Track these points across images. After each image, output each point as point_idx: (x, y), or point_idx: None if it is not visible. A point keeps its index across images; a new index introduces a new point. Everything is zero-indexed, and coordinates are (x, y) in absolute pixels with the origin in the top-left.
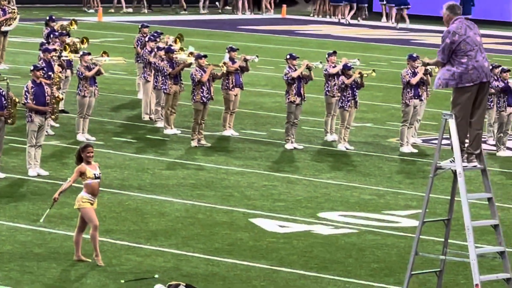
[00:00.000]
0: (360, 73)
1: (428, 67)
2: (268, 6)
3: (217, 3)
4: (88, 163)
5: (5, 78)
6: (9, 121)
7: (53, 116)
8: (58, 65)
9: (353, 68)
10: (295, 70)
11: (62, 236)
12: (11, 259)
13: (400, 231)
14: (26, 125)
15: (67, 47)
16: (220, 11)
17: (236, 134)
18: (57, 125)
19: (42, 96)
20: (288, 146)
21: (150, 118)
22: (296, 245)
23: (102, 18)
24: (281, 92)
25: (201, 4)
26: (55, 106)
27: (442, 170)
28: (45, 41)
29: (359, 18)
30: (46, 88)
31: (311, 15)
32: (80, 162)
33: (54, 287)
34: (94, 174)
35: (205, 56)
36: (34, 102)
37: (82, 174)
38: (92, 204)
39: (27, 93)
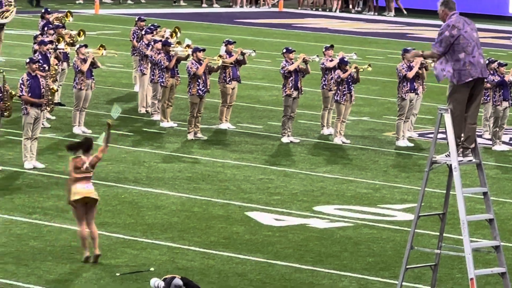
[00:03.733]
0: (356, 67)
1: (424, 61)
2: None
3: None
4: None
5: (1, 70)
6: (5, 113)
7: (48, 108)
8: (55, 57)
9: (349, 62)
10: (292, 63)
11: (57, 229)
12: (6, 252)
13: (395, 225)
14: (22, 117)
15: (61, 39)
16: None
17: (233, 128)
18: (53, 117)
19: (38, 88)
20: (285, 139)
21: (146, 111)
22: (291, 238)
23: (98, 10)
24: (278, 86)
25: None
26: (50, 98)
27: (437, 164)
28: (40, 33)
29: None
30: (42, 81)
31: (299, 8)
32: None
33: (49, 280)
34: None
35: (203, 50)
36: (29, 94)
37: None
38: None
39: (22, 86)
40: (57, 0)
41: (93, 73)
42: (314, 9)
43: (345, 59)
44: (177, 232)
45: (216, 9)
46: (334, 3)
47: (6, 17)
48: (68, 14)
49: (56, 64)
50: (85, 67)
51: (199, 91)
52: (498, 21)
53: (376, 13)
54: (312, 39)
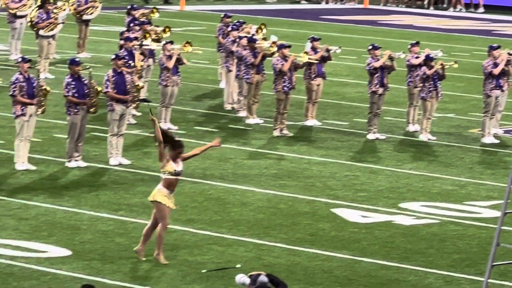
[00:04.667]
0: (442, 64)
1: (510, 58)
2: None
3: None
4: (176, 158)
5: (87, 67)
6: (91, 110)
7: (134, 105)
8: (140, 53)
9: (435, 59)
10: (378, 60)
11: (143, 226)
12: (92, 249)
13: (481, 221)
14: (107, 114)
15: (147, 35)
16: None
17: (319, 124)
18: (139, 113)
19: (123, 84)
20: (371, 136)
21: (232, 107)
22: (377, 235)
23: (184, 7)
24: (364, 82)
25: None
26: (135, 94)
27: None
28: (126, 30)
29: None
30: (127, 77)
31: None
32: (170, 147)
33: (135, 277)
34: (175, 170)
35: (289, 46)
36: (115, 91)
37: (164, 160)
38: (168, 198)
39: (108, 82)
40: None
41: (179, 70)
42: (400, 5)
43: (431, 56)
44: (263, 229)
45: (302, 5)
46: None
47: (91, 13)
48: (154, 11)
49: (142, 60)
50: (170, 64)
51: (285, 88)
52: None
53: (463, 9)
54: (398, 35)
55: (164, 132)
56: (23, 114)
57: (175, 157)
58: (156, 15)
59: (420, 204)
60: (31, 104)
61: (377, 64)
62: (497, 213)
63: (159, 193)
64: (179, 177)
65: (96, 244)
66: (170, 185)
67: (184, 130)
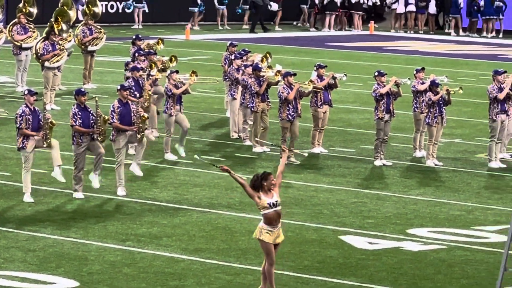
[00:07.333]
0: (447, 90)
1: None
2: (358, 22)
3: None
4: (269, 190)
5: (93, 96)
6: (99, 138)
7: (139, 136)
8: (149, 84)
9: (440, 85)
10: (384, 86)
11: (151, 256)
12: (100, 280)
13: (489, 246)
14: (112, 144)
15: (153, 65)
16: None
17: (325, 151)
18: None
19: (128, 115)
20: (377, 162)
21: (238, 136)
22: (385, 261)
23: (189, 36)
24: (370, 109)
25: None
26: (141, 125)
27: None
28: (132, 60)
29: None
30: (133, 108)
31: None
32: (255, 189)
33: None
34: (269, 204)
35: (295, 74)
36: (119, 121)
37: (256, 198)
38: (271, 235)
39: (113, 113)
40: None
41: (182, 99)
42: (407, 31)
43: (437, 81)
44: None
45: (307, 33)
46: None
47: (96, 44)
48: (160, 42)
49: (149, 90)
50: (178, 91)
51: (289, 116)
52: None
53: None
54: (403, 61)
55: (241, 179)
56: (23, 147)
57: (268, 189)
58: (161, 46)
59: (427, 229)
60: (36, 136)
61: (383, 91)
62: (504, 238)
63: (260, 231)
64: (278, 208)
65: (104, 275)
66: (271, 220)
67: (190, 160)
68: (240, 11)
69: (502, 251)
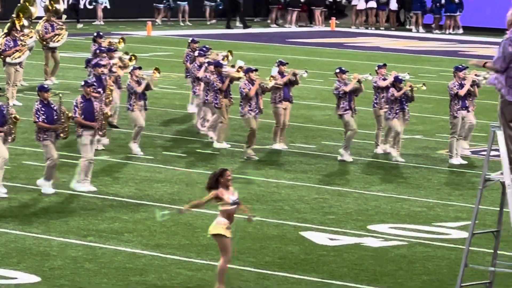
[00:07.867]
0: (410, 86)
1: (475, 78)
2: (319, 18)
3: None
4: (227, 187)
5: (57, 93)
6: (61, 135)
7: (100, 132)
8: (112, 80)
9: (404, 81)
10: (345, 84)
11: (112, 251)
12: (62, 275)
13: (450, 242)
14: (77, 140)
15: (118, 61)
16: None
17: (286, 148)
18: (106, 140)
19: (91, 111)
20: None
21: (200, 132)
22: (346, 257)
23: (151, 32)
24: (331, 105)
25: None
26: (103, 122)
27: (491, 182)
28: (92, 58)
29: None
30: (96, 104)
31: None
32: (212, 188)
33: None
34: (232, 201)
35: (256, 70)
36: (82, 117)
37: (218, 199)
38: (229, 230)
39: (76, 108)
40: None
41: (146, 95)
42: (368, 27)
43: (400, 78)
44: (232, 253)
45: (269, 29)
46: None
47: (58, 41)
48: (121, 41)
49: (111, 86)
50: (140, 88)
51: (251, 112)
52: None
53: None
54: (364, 57)
55: (205, 198)
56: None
57: (226, 186)
58: (122, 45)
59: (388, 226)
60: (1, 132)
61: (347, 89)
62: (465, 234)
63: (220, 227)
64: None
65: (66, 270)
66: (230, 215)
67: (151, 156)
68: (221, 6)
69: (463, 247)
